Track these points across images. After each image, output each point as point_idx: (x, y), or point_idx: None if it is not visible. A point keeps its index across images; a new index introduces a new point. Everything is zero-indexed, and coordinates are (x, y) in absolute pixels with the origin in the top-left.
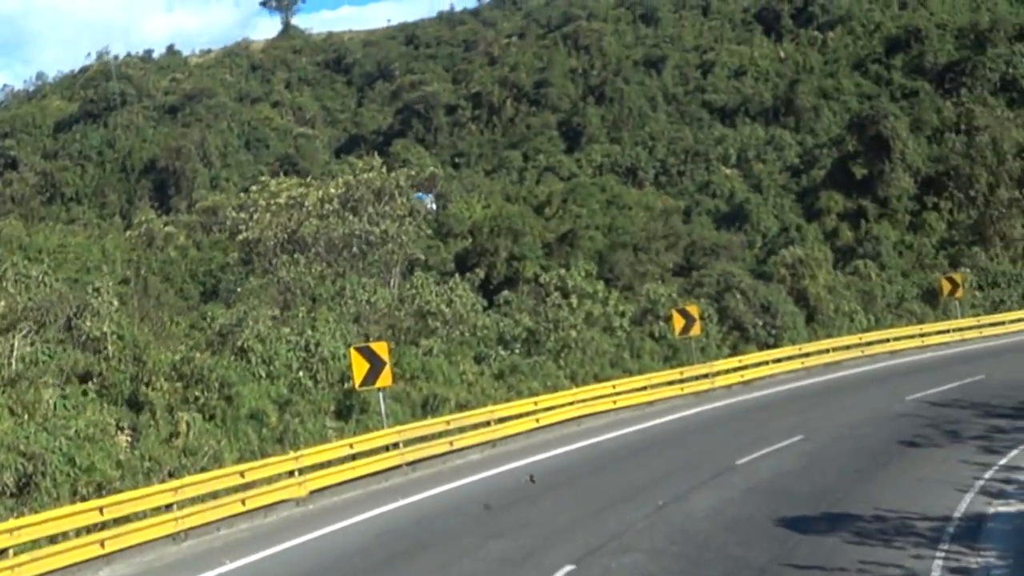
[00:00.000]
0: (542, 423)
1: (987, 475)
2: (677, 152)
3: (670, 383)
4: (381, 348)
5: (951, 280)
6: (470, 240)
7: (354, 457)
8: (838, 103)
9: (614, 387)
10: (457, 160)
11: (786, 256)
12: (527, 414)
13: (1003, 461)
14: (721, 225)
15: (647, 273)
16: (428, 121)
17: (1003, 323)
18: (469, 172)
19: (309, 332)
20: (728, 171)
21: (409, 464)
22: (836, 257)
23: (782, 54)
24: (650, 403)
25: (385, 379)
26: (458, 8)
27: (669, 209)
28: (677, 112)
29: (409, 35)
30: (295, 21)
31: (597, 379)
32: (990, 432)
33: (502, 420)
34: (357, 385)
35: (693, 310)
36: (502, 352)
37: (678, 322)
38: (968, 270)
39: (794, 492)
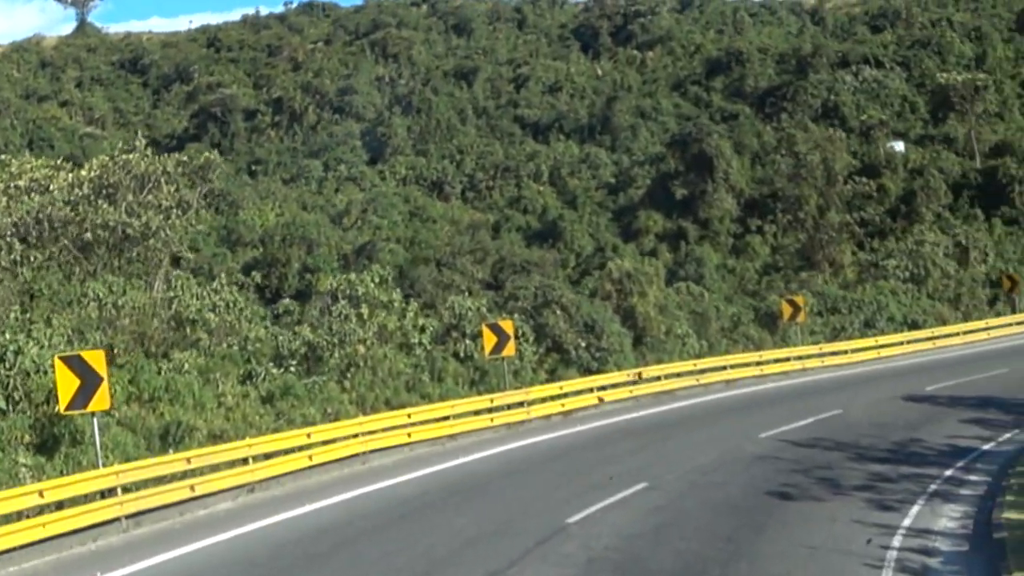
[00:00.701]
0: (317, 460)
1: (896, 543)
2: (487, 167)
3: (478, 412)
4: (96, 358)
5: (792, 303)
6: (260, 249)
7: (47, 508)
8: (656, 123)
9: (409, 416)
10: (254, 167)
11: (613, 270)
12: (299, 449)
13: (907, 522)
14: (532, 242)
15: (452, 286)
16: (225, 126)
17: (846, 352)
18: (266, 180)
19: (6, 337)
20: (540, 187)
21: (131, 517)
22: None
23: (599, 71)
24: (453, 436)
25: (101, 400)
26: (264, 13)
27: (477, 223)
28: (488, 126)
29: (211, 38)
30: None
31: (389, 405)
32: (873, 481)
33: (266, 456)
34: (63, 407)
35: (507, 326)
36: (274, 370)
37: (489, 340)
38: (807, 294)
39: (652, 569)
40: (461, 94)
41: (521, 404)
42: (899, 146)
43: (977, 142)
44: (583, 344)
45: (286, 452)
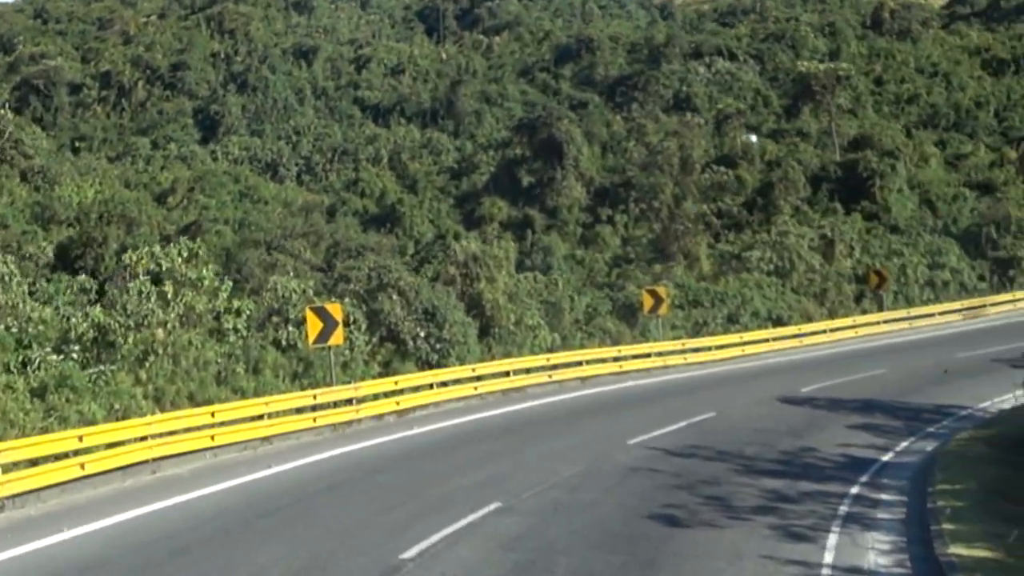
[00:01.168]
0: (92, 470)
1: None
2: (324, 149)
3: (299, 410)
4: None
5: (653, 294)
6: (76, 228)
7: None
8: (502, 109)
9: (214, 415)
10: (79, 144)
11: (457, 252)
12: (69, 455)
13: (828, 558)
14: (369, 227)
15: (279, 266)
16: (49, 99)
17: (710, 348)
18: (90, 157)
19: None
20: (379, 171)
21: None
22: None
23: (444, 55)
24: (268, 439)
25: None
26: None
27: (311, 205)
28: (327, 107)
29: (39, 9)
30: None
31: (194, 401)
32: (772, 500)
33: (31, 463)
34: None
35: (335, 310)
36: (51, 357)
37: (313, 325)
38: (669, 285)
39: None
40: (300, 74)
41: (350, 401)
42: (752, 139)
43: (836, 135)
44: (422, 334)
45: (52, 460)
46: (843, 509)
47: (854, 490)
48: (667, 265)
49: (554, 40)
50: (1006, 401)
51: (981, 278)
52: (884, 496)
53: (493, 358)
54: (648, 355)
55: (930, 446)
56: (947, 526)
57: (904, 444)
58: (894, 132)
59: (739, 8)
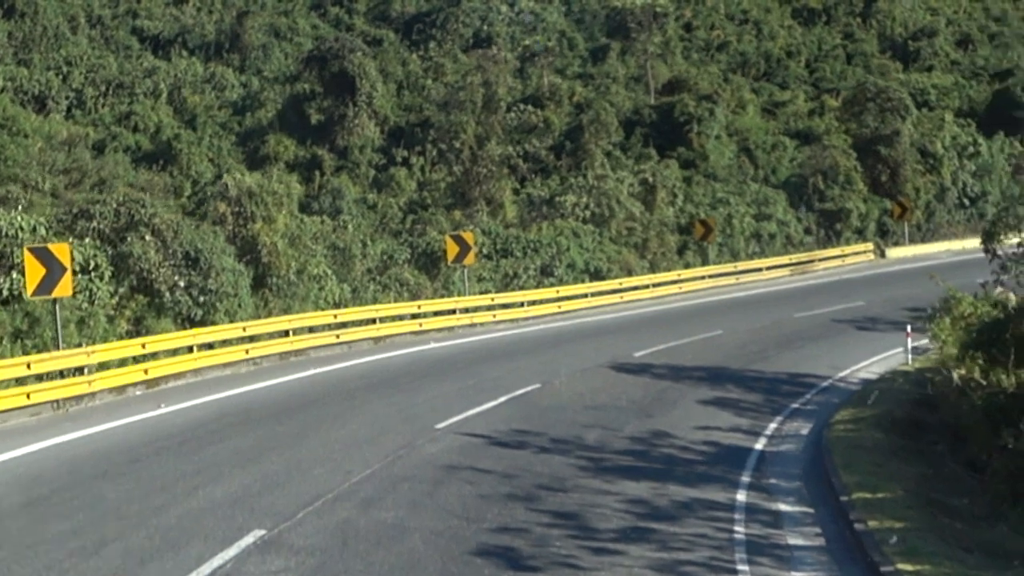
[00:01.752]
0: None
1: None
2: (97, 82)
3: (5, 384)
4: None
5: (459, 241)
6: None
7: None
8: (291, 44)
9: None
10: None
11: (229, 185)
12: None
13: None
14: (142, 164)
15: (9, 200)
16: None
17: (522, 304)
18: None
19: None
20: (155, 105)
21: None
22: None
23: None
24: None
25: None
26: None
27: (74, 139)
28: (102, 37)
29: None
30: None
31: None
32: (642, 518)
33: None
34: None
35: (60, 252)
36: None
37: (34, 271)
38: (476, 231)
39: None
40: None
41: (81, 371)
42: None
43: (652, 78)
44: (182, 283)
45: None
46: (739, 531)
47: (740, 497)
48: (469, 211)
49: None
50: (864, 369)
51: (807, 231)
52: (783, 507)
53: (270, 314)
54: (453, 311)
55: (805, 428)
56: (904, 567)
57: (772, 426)
58: (712, 75)
59: None
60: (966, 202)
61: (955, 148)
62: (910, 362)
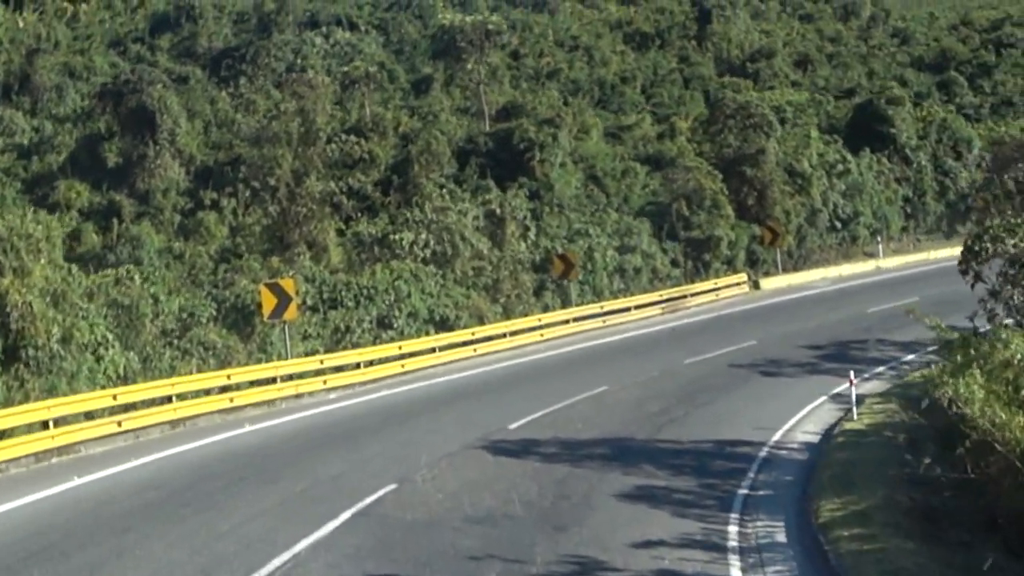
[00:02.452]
0: None
1: None
2: None
3: None
4: None
5: (276, 290)
6: None
7: None
8: (87, 84)
9: None
10: None
11: None
12: None
13: None
14: None
15: None
16: None
17: (357, 366)
18: None
19: None
20: None
21: None
22: (84, 265)
23: (21, 23)
24: None
25: None
26: None
27: None
28: None
29: None
30: None
31: None
32: None
33: None
34: None
35: None
36: None
37: None
38: (298, 278)
39: None
40: None
41: None
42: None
43: (486, 103)
44: None
45: None
46: None
47: None
48: (288, 255)
49: (150, 7)
50: (797, 428)
51: (674, 263)
52: None
53: (28, 398)
54: (273, 379)
55: (778, 531)
56: None
57: (733, 530)
58: (551, 98)
59: None
60: (838, 224)
61: (823, 167)
62: (856, 417)
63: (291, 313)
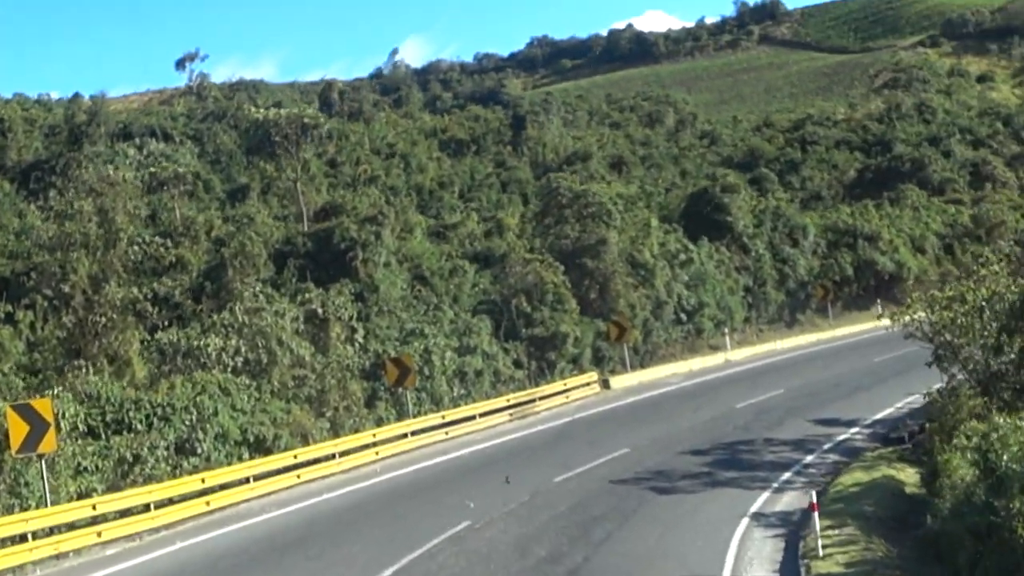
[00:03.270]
0: None
1: None
2: None
3: None
4: None
5: (26, 413)
6: None
7: None
8: None
9: None
10: None
11: None
12: None
13: None
14: None
15: None
16: None
17: (147, 508)
18: None
19: None
20: None
21: None
22: None
23: None
24: None
25: None
26: None
27: None
28: None
29: None
30: None
31: None
32: None
33: None
34: None
35: None
36: None
37: None
38: (67, 400)
39: None
40: None
41: None
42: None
43: (304, 203)
44: None
45: None
46: None
47: None
48: (75, 368)
49: None
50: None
51: (517, 364)
52: None
53: None
54: (25, 537)
55: None
56: None
57: None
58: (372, 195)
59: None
60: (683, 316)
61: (665, 256)
62: (821, 552)
63: (48, 444)
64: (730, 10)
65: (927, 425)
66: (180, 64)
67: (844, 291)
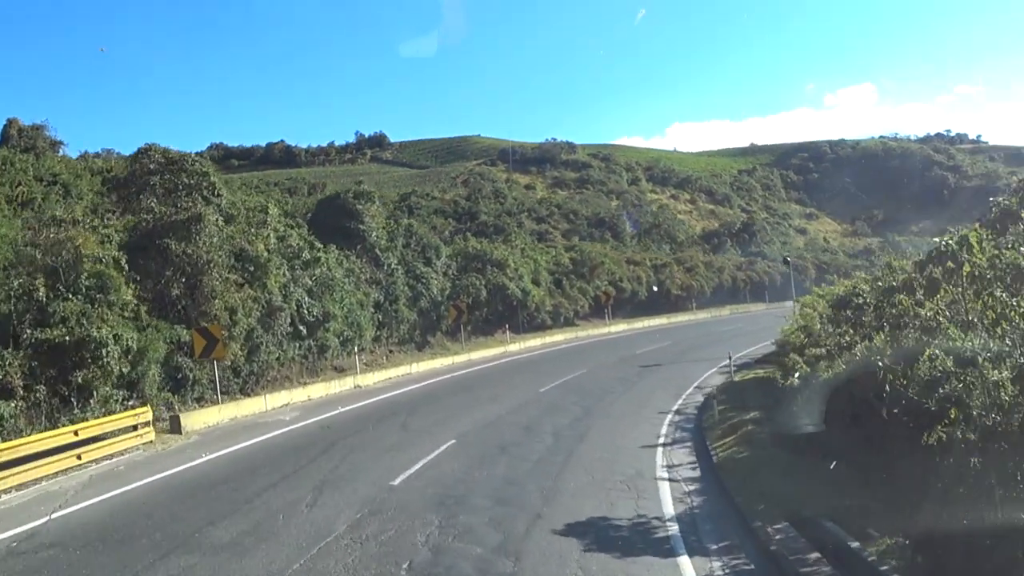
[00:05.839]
0: None
1: None
2: None
3: None
4: None
5: None
6: None
7: None
8: None
9: None
10: None
11: None
12: None
13: None
14: None
15: None
16: None
17: None
18: None
19: None
20: None
21: None
22: None
23: None
24: None
25: None
26: None
27: None
28: None
29: None
30: None
31: None
32: None
33: None
34: None
35: None
36: None
37: None
38: None
39: None
40: None
41: None
42: None
43: None
44: None
45: None
46: None
47: None
48: None
49: None
50: None
51: (9, 392)
52: None
53: None
54: None
55: None
56: None
57: None
58: None
59: None
60: (303, 329)
61: (284, 253)
62: None
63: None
64: (352, 138)
65: None
66: None
67: (476, 314)
